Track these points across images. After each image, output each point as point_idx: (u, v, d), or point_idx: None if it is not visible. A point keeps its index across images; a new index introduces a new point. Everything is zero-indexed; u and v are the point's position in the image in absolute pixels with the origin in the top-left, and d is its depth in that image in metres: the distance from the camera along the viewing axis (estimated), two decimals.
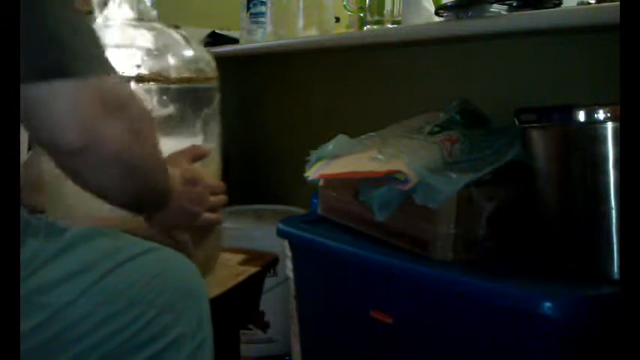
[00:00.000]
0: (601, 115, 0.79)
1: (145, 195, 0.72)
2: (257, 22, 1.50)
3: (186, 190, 0.82)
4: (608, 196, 0.76)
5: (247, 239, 1.49)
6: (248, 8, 1.51)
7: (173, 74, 0.93)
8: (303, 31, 1.39)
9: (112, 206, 0.71)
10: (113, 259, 0.65)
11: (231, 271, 1.05)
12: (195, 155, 0.88)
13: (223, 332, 0.81)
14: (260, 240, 1.42)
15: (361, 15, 1.34)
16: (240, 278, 1.02)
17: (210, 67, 1.01)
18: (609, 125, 0.76)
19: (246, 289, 1.03)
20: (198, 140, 0.98)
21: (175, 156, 0.85)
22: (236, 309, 1.04)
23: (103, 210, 0.75)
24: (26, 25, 0.55)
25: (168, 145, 0.90)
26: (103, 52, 0.63)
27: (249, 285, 1.04)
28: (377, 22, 1.23)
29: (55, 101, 0.58)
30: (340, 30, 1.49)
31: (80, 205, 0.83)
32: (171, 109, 0.94)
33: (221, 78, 1.03)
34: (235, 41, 1.64)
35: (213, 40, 1.70)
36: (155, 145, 0.71)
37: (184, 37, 1.00)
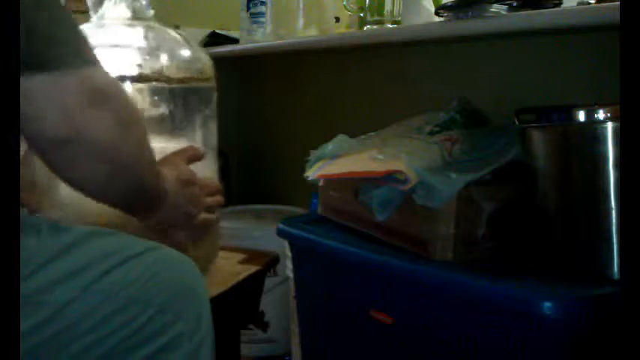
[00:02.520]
0: (601, 115, 0.79)
1: (135, 194, 0.71)
2: (257, 22, 1.50)
3: (182, 191, 0.82)
4: (608, 196, 0.76)
5: (247, 239, 1.48)
6: (248, 8, 1.51)
7: (171, 74, 0.93)
8: (303, 31, 1.39)
9: (105, 205, 0.70)
10: (112, 259, 0.65)
11: (231, 270, 1.05)
12: (192, 156, 0.87)
13: (223, 332, 0.80)
14: (260, 240, 1.42)
15: (361, 15, 1.34)
16: (241, 277, 1.02)
17: (207, 67, 1.00)
18: (609, 125, 0.76)
19: (246, 289, 1.03)
20: (196, 141, 0.98)
21: (171, 157, 0.85)
22: (236, 308, 1.04)
23: (97, 210, 0.75)
24: None
25: (166, 146, 0.90)
26: (86, 43, 0.63)
27: (249, 284, 1.04)
28: (377, 22, 1.24)
29: (39, 92, 0.57)
30: (340, 30, 1.49)
31: (74, 205, 0.83)
32: (169, 110, 0.93)
33: (221, 78, 1.02)
34: (235, 41, 1.64)
35: (213, 40, 1.70)
36: (144, 143, 0.70)
37: (182, 37, 0.99)
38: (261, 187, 1.93)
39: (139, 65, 0.91)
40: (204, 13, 1.82)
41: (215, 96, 1.02)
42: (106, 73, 0.65)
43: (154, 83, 0.91)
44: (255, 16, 1.50)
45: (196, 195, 0.85)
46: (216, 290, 0.93)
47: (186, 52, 0.97)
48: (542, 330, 0.75)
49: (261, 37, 1.48)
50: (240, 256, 1.13)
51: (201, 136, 0.99)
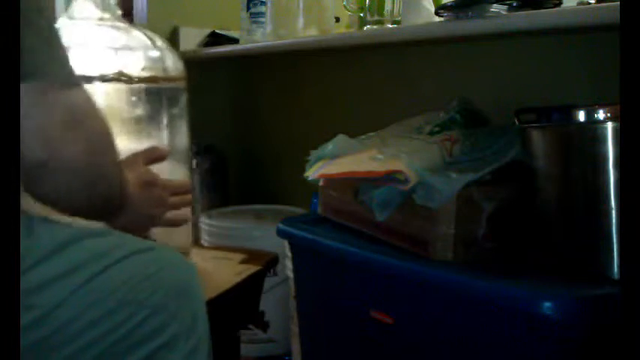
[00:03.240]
0: (601, 115, 0.79)
1: (100, 203, 0.70)
2: (257, 22, 1.50)
3: (144, 194, 0.81)
4: (608, 196, 0.76)
5: (247, 239, 1.49)
6: (248, 8, 1.51)
7: (137, 74, 0.93)
8: (303, 31, 1.39)
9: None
10: (104, 259, 0.65)
11: (231, 270, 1.05)
12: (153, 157, 0.86)
13: (223, 332, 0.80)
14: (260, 240, 1.42)
15: (361, 15, 1.34)
16: (241, 277, 1.02)
17: (176, 67, 1.00)
18: (609, 125, 0.76)
19: (246, 289, 1.03)
20: (162, 140, 0.98)
21: (132, 158, 0.83)
22: (236, 308, 1.04)
23: None
24: None
25: (132, 146, 0.90)
26: (67, 63, 0.63)
27: (249, 284, 1.04)
28: (377, 22, 1.23)
29: (23, 117, 0.57)
30: (340, 30, 1.49)
31: None
32: (136, 109, 0.94)
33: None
34: (235, 41, 1.64)
35: (213, 40, 1.70)
36: (114, 158, 0.70)
37: (149, 37, 0.99)
38: (261, 187, 1.93)
39: (102, 65, 0.91)
40: (204, 13, 1.82)
41: (184, 96, 1.02)
42: (85, 93, 0.65)
43: (115, 83, 0.91)
44: (255, 16, 1.50)
45: (159, 196, 0.84)
46: (216, 290, 0.93)
47: (150, 52, 0.97)
48: (542, 330, 0.75)
49: (261, 37, 1.48)
50: (240, 256, 1.13)
51: (168, 136, 0.99)
